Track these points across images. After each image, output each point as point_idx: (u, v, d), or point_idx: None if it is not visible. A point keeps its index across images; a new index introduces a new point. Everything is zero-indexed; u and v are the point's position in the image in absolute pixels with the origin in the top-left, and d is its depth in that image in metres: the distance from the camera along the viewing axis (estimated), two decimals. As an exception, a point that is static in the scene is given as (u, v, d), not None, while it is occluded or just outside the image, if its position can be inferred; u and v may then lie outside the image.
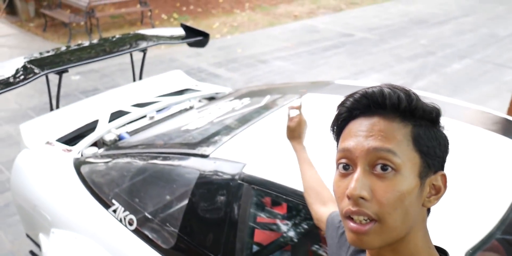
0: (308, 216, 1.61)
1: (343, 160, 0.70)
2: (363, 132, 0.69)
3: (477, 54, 6.98)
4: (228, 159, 1.74)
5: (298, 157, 1.36)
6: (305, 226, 1.61)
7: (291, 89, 2.60)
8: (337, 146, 0.74)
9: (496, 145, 1.74)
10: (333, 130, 0.77)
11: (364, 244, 0.67)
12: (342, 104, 0.74)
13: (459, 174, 1.48)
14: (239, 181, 1.63)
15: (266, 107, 2.23)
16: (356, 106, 0.72)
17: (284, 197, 1.53)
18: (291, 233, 1.59)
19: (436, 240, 1.20)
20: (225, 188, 1.66)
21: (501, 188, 1.48)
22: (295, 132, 1.39)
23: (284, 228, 1.61)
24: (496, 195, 1.45)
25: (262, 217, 1.67)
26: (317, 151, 1.61)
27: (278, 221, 1.63)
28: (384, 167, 0.66)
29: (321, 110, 2.04)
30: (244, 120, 2.10)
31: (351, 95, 0.73)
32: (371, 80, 5.92)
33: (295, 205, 1.57)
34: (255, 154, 1.75)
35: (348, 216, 0.68)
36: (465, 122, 1.89)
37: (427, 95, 2.33)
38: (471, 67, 6.43)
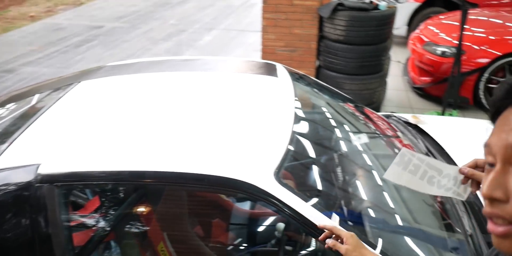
0: (122, 194, 1.56)
1: (487, 157, 0.64)
2: (506, 126, 0.61)
3: (221, 25, 7.67)
4: (15, 165, 1.52)
5: None
6: (125, 206, 1.55)
7: (60, 82, 2.39)
8: None
9: (266, 84, 2.00)
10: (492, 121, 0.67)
11: (502, 248, 0.60)
12: (494, 95, 0.66)
13: (242, 113, 1.69)
14: (37, 185, 1.45)
15: (41, 104, 2.00)
16: (506, 96, 0.63)
17: (94, 183, 1.44)
18: (112, 217, 1.52)
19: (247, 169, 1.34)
20: (21, 198, 1.46)
21: (283, 114, 1.71)
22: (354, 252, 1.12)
23: (104, 214, 1.53)
24: (281, 120, 1.67)
25: (77, 211, 1.55)
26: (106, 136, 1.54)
27: (95, 209, 1.54)
28: None
29: (101, 94, 1.95)
30: (19, 123, 1.85)
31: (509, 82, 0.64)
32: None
33: (107, 187, 1.50)
34: (48, 151, 1.57)
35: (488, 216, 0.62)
36: (236, 72, 2.10)
37: (196, 57, 2.48)
38: (220, 37, 7.05)
